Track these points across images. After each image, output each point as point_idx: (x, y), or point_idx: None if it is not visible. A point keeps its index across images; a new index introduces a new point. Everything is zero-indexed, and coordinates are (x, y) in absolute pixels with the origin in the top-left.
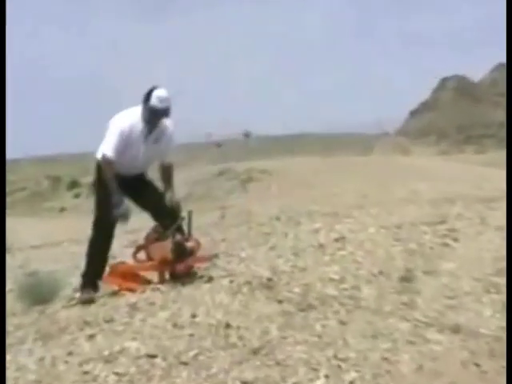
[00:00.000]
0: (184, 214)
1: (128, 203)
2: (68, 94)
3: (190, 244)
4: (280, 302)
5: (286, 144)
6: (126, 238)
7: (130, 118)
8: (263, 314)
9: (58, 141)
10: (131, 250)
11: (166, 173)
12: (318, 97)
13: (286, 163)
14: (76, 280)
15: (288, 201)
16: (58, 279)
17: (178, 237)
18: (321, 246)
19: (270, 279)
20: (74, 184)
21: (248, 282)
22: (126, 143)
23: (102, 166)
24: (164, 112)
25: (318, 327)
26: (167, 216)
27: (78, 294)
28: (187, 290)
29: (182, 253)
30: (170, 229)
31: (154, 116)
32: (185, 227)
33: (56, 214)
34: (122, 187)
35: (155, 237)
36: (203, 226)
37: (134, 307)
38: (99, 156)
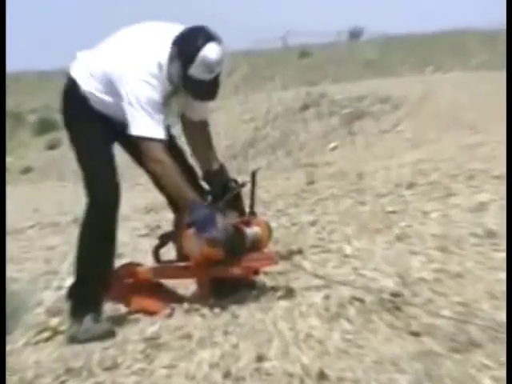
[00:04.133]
0: (238, 178)
1: (226, 222)
2: None
3: (252, 230)
4: (416, 334)
5: (422, 50)
6: (141, 220)
7: (160, 64)
8: (386, 357)
9: (22, 51)
10: (150, 242)
11: (200, 131)
12: None
13: (424, 85)
14: (52, 295)
15: (428, 152)
16: (19, 295)
17: (233, 217)
18: (490, 233)
19: (396, 294)
20: (46, 125)
21: (357, 299)
22: (159, 103)
23: (155, 162)
24: (209, 87)
25: (487, 382)
26: (213, 179)
27: (69, 326)
28: (247, 313)
29: (239, 246)
30: (217, 202)
31: (190, 88)
32: (245, 200)
33: (16, 178)
34: (114, 134)
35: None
36: (277, 199)
37: (154, 343)
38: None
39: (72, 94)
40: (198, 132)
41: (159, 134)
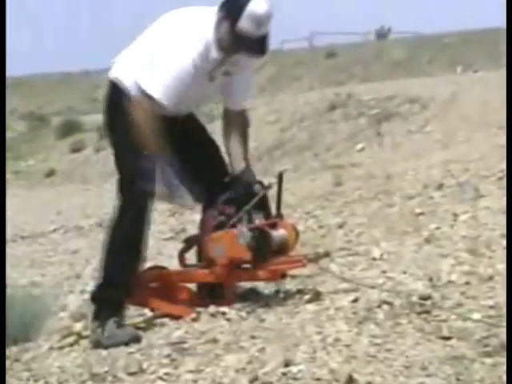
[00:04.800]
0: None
1: (178, 180)
2: None
3: (279, 233)
4: (446, 338)
5: (451, 50)
6: (166, 223)
7: (203, 37)
8: (416, 361)
9: (49, 52)
10: (175, 246)
11: (237, 125)
12: None
13: (453, 85)
14: (76, 300)
15: (458, 153)
16: (42, 299)
17: (259, 220)
18: None
19: (426, 297)
20: (70, 127)
21: (386, 303)
22: (190, 79)
23: (141, 113)
24: (259, 44)
25: None
26: (235, 183)
27: (92, 330)
28: (274, 317)
29: (266, 248)
30: (243, 205)
31: (240, 45)
32: (271, 203)
33: (39, 182)
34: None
35: (218, 221)
36: (304, 201)
37: (179, 348)
38: (141, 87)
39: (116, 96)
40: (234, 126)
41: (166, 100)
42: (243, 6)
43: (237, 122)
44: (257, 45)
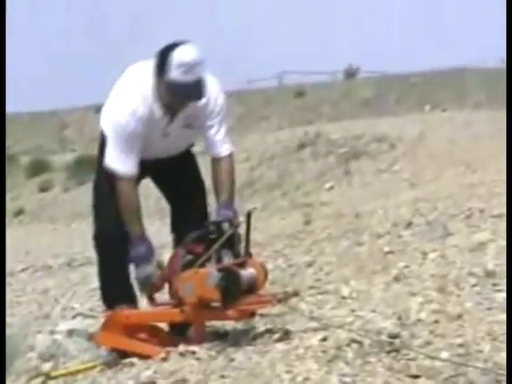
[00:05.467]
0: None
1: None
2: None
3: (248, 272)
4: (414, 377)
5: (419, 89)
6: None
7: (145, 94)
8: None
9: (15, 92)
10: None
11: (220, 169)
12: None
13: (421, 124)
14: (44, 340)
15: (426, 192)
16: (10, 340)
17: (228, 259)
18: (489, 273)
19: (395, 336)
20: (38, 167)
21: (355, 341)
22: (141, 138)
23: (120, 193)
24: (194, 89)
25: None
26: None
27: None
28: (244, 356)
29: (235, 289)
30: (213, 243)
31: (176, 96)
32: (240, 241)
33: (8, 221)
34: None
35: (187, 260)
36: (273, 239)
37: None
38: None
39: (102, 143)
40: (218, 171)
41: (128, 168)
42: (169, 58)
43: (220, 166)
44: (193, 90)
